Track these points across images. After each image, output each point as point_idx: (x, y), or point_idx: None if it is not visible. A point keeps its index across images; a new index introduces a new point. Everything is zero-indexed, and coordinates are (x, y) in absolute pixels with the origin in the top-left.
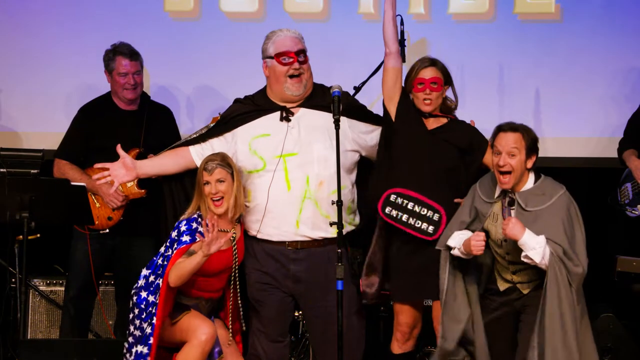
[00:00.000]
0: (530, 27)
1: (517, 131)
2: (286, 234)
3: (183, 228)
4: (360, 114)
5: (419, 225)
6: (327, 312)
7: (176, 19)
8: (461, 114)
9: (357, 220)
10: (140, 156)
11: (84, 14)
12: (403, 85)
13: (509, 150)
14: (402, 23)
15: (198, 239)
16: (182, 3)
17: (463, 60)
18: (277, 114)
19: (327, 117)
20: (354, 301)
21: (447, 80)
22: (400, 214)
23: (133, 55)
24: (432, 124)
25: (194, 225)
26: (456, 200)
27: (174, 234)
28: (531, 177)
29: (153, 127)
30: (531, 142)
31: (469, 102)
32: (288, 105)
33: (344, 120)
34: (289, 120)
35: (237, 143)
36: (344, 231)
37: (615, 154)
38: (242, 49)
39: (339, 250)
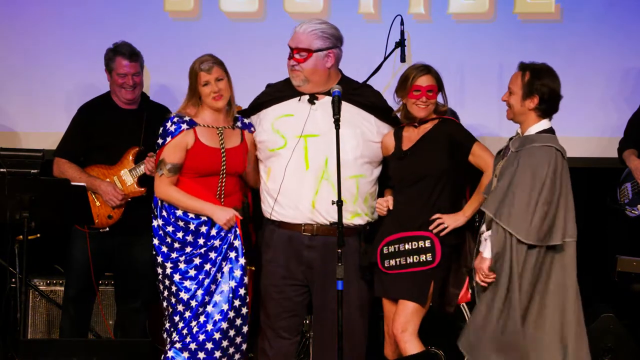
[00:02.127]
0: (530, 27)
1: (519, 69)
2: (302, 215)
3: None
4: (388, 116)
5: (417, 260)
6: (335, 303)
7: (176, 19)
8: (461, 114)
9: (376, 214)
10: (140, 155)
11: (84, 14)
12: (395, 91)
13: (509, 87)
14: (402, 23)
15: (182, 127)
16: (182, 3)
17: (463, 60)
18: (303, 97)
19: (351, 110)
20: (361, 299)
21: (440, 86)
22: (398, 260)
23: (133, 56)
24: (420, 131)
25: (176, 119)
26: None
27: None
28: (541, 124)
29: (152, 126)
30: (528, 83)
31: (469, 102)
32: (308, 92)
33: (370, 117)
34: (313, 103)
35: (261, 122)
36: (360, 222)
37: (615, 154)
38: (242, 49)
39: (339, 250)
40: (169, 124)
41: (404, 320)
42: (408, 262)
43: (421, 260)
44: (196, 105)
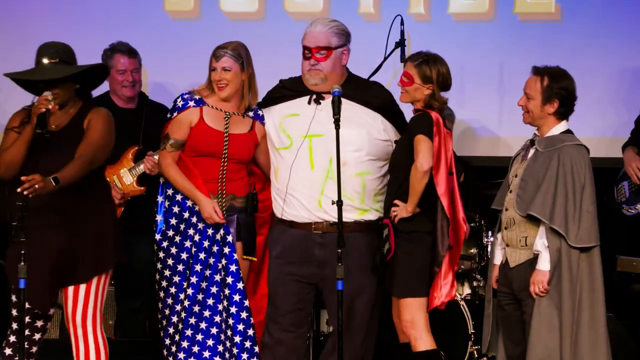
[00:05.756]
0: (530, 27)
1: (536, 74)
2: (310, 214)
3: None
4: (397, 120)
5: (385, 250)
6: (350, 298)
7: (176, 19)
8: (461, 113)
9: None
10: (139, 154)
11: (84, 14)
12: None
13: (526, 92)
14: (402, 23)
15: (189, 104)
16: (182, 3)
17: (463, 60)
18: (310, 96)
19: (356, 108)
20: (373, 295)
21: (427, 80)
22: (383, 249)
23: (131, 52)
24: None
25: (187, 96)
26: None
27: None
28: (561, 126)
29: (151, 125)
30: (548, 88)
31: (469, 102)
32: (321, 92)
33: (376, 116)
34: (319, 103)
35: (268, 119)
36: (372, 217)
37: (616, 154)
38: None
39: (339, 250)
40: (178, 100)
41: (409, 317)
42: (384, 251)
43: (385, 250)
44: (210, 87)
